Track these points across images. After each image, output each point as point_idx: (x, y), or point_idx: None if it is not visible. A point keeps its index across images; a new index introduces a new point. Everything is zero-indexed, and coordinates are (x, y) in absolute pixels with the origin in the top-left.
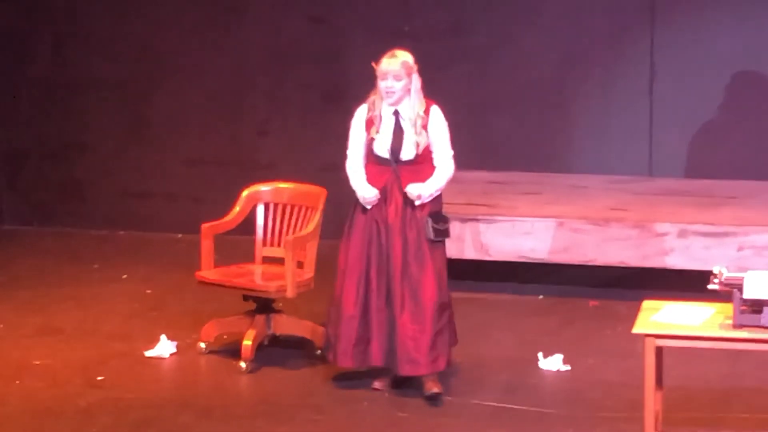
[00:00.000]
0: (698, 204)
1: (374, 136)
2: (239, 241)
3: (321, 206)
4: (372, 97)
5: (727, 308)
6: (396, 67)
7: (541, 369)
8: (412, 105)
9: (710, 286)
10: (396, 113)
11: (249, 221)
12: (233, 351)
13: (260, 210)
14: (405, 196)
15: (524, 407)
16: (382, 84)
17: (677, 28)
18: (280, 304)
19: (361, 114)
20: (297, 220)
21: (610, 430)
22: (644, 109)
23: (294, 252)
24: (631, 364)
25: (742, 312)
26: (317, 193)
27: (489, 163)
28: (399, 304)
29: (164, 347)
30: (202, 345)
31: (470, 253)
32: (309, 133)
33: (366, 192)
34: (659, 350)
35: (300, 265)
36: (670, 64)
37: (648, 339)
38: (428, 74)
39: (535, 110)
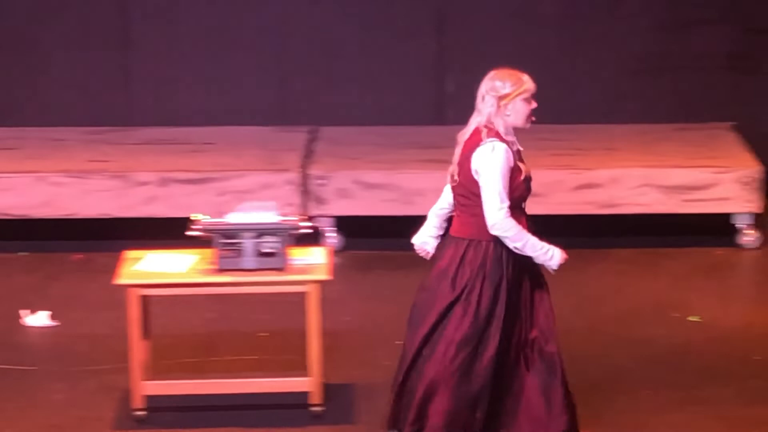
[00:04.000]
0: (177, 152)
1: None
2: None
3: None
4: (496, 129)
5: (210, 254)
6: None
7: (27, 326)
8: None
9: (190, 233)
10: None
11: None
12: None
13: None
14: None
15: (9, 366)
16: (527, 108)
17: None
18: None
19: (507, 151)
20: None
21: (99, 382)
22: (120, 61)
23: None
24: (118, 315)
25: (224, 257)
26: None
27: None
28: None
29: None
30: None
31: None
32: None
33: (555, 256)
34: (144, 299)
35: None
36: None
37: (131, 289)
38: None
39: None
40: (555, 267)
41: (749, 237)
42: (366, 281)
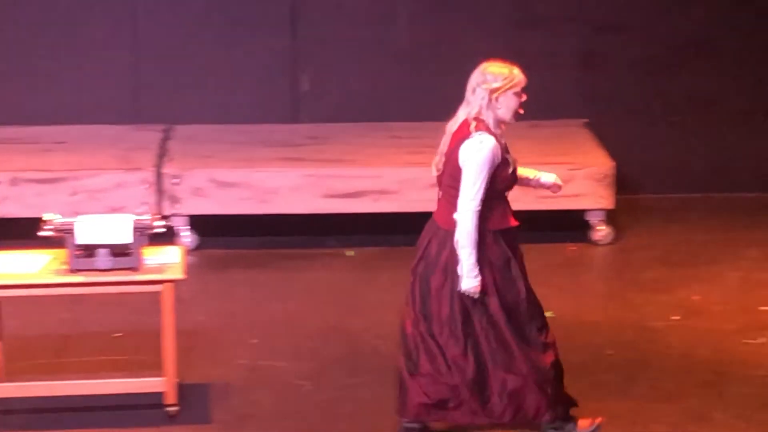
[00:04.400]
0: (28, 151)
1: (513, 165)
2: None
3: None
4: (486, 122)
5: (63, 254)
6: None
7: None
8: None
9: (42, 233)
10: None
11: None
12: None
13: None
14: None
15: None
16: (517, 101)
17: None
18: None
19: (495, 146)
20: None
21: None
22: None
23: None
24: None
25: (77, 256)
26: None
27: None
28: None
29: None
30: None
31: None
32: None
33: (476, 280)
34: None
35: None
36: None
37: None
38: None
39: None
40: (463, 288)
41: (602, 233)
42: (221, 280)
